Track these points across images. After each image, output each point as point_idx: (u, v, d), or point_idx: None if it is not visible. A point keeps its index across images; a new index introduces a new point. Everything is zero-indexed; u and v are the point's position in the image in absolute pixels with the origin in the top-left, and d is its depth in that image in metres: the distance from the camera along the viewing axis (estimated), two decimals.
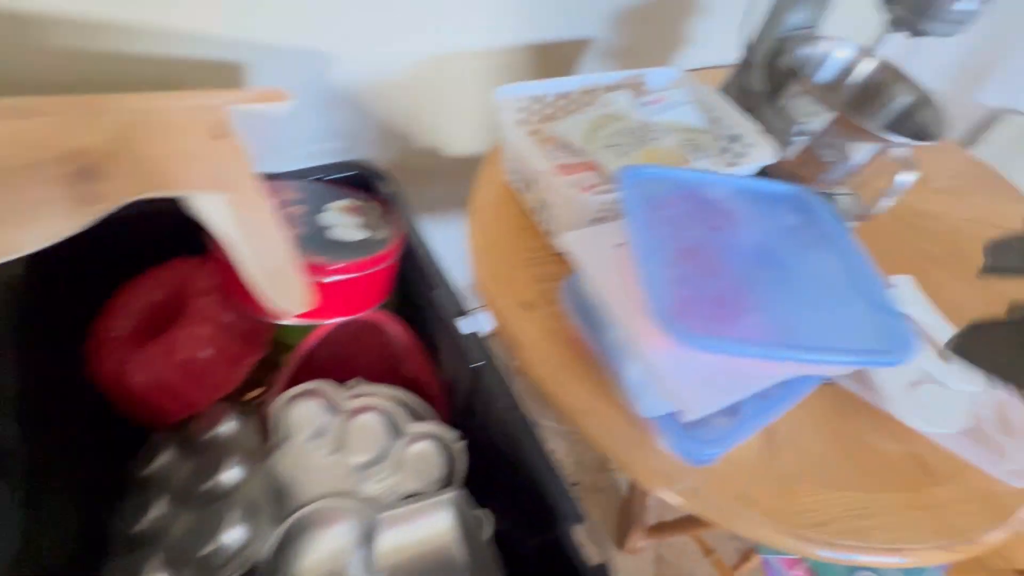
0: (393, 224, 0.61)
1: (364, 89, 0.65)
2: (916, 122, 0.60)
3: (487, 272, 0.54)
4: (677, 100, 0.61)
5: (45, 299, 0.52)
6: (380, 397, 0.55)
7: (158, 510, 0.45)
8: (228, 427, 0.51)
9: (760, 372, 0.37)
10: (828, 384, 0.50)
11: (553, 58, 0.74)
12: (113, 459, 0.53)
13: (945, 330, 0.55)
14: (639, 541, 0.95)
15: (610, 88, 0.62)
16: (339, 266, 0.52)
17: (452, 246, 0.62)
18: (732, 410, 0.43)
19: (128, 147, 0.38)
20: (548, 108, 0.62)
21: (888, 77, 0.62)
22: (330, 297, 0.54)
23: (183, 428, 0.55)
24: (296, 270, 0.45)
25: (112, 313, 0.55)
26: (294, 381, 0.55)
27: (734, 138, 0.61)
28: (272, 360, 0.62)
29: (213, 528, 0.41)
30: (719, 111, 0.62)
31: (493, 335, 0.51)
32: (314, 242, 0.54)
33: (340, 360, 0.62)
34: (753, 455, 0.45)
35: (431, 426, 0.54)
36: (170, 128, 0.41)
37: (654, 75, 0.65)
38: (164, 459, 0.50)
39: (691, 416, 0.35)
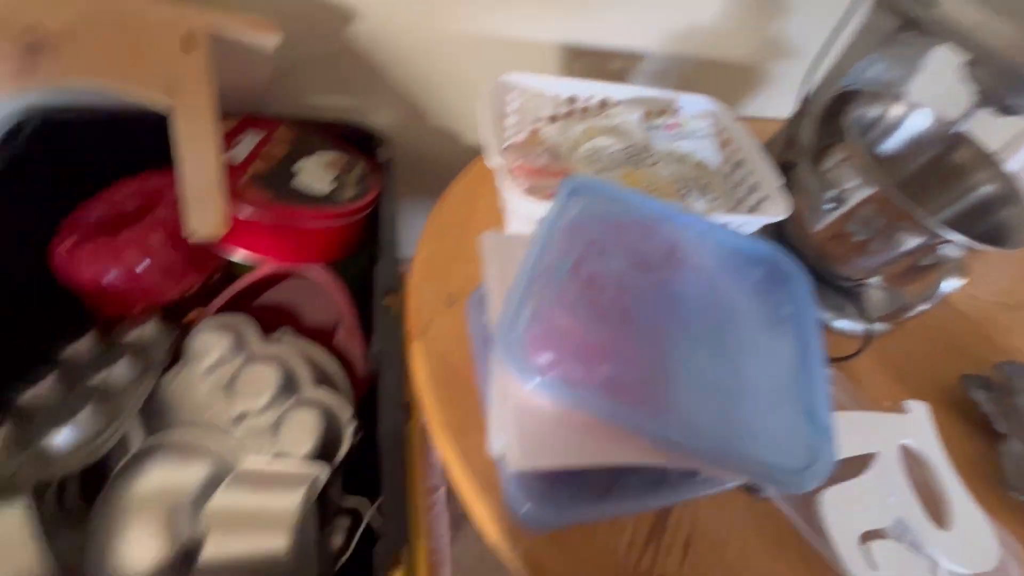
0: (368, 190, 0.59)
1: (385, 52, 0.64)
2: (994, 219, 0.48)
3: (426, 254, 0.50)
4: (696, 131, 0.54)
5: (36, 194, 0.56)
6: (294, 352, 0.53)
7: (39, 389, 0.47)
8: (144, 333, 0.52)
9: (623, 447, 0.30)
10: (763, 500, 0.41)
11: (598, 66, 0.70)
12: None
13: (952, 478, 0.43)
14: None
15: (628, 103, 0.56)
16: (285, 208, 0.51)
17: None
18: (604, 485, 0.36)
19: (91, 31, 0.39)
20: (558, 109, 0.57)
21: (969, 159, 0.51)
22: (271, 238, 0.53)
23: (111, 325, 0.57)
24: (220, 197, 0.44)
25: (82, 211, 0.58)
26: (227, 311, 0.55)
27: (752, 187, 0.52)
28: (218, 288, 0.63)
29: (66, 415, 0.41)
30: (744, 155, 0.54)
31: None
32: (275, 182, 0.54)
33: (281, 312, 0.61)
34: (624, 541, 0.37)
35: (329, 397, 0.51)
36: (142, 27, 0.42)
37: (687, 101, 0.58)
38: (77, 346, 0.52)
39: (518, 462, 0.29)
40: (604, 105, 0.57)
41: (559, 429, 0.30)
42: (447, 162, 0.77)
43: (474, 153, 0.77)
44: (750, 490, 0.41)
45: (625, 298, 0.33)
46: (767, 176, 0.51)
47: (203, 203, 0.43)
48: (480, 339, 0.39)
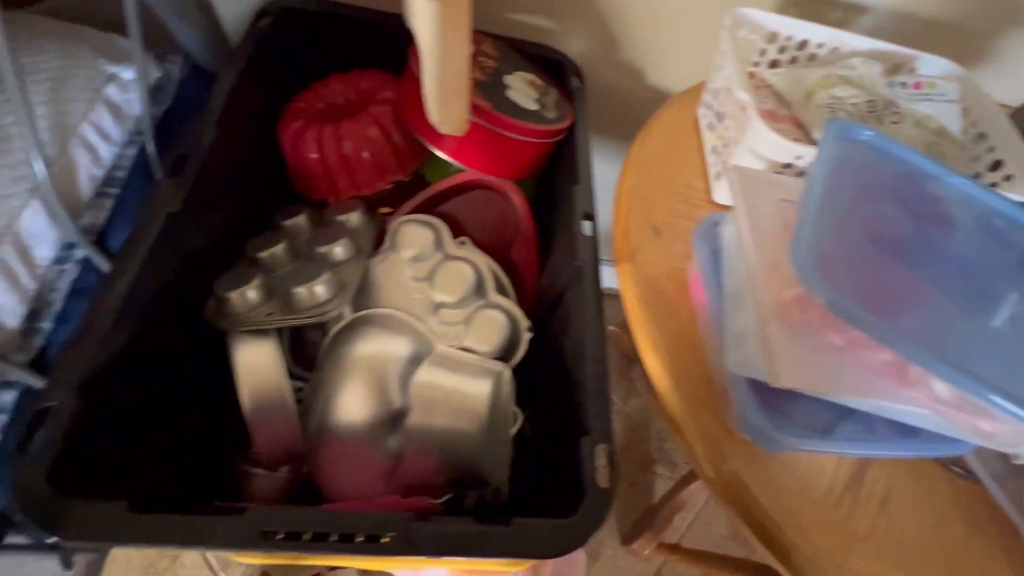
0: (566, 115, 0.60)
1: None
2: None
3: (632, 182, 0.51)
4: (942, 94, 0.50)
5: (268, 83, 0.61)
6: (481, 259, 0.56)
7: (276, 250, 0.53)
8: (354, 218, 0.57)
9: (886, 392, 0.31)
10: (967, 479, 0.41)
11: (816, 13, 0.65)
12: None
13: None
14: (646, 548, 0.90)
15: (863, 55, 0.53)
16: (503, 118, 0.53)
17: (608, 180, 0.59)
18: (824, 424, 0.37)
19: None
20: (780, 53, 0.55)
21: None
22: (481, 146, 0.56)
23: (321, 206, 0.63)
24: (466, 98, 0.46)
25: (303, 99, 0.63)
26: (417, 212, 0.59)
27: (994, 163, 0.48)
28: (406, 190, 0.67)
29: (309, 277, 0.47)
30: (988, 128, 0.49)
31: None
32: (492, 93, 0.55)
33: (460, 220, 0.65)
34: (823, 484, 0.38)
35: (511, 304, 0.55)
36: None
37: (927, 62, 0.54)
38: (298, 220, 0.58)
39: (776, 379, 0.30)
40: (834, 52, 0.53)
41: (823, 357, 0.31)
42: (629, 97, 0.75)
43: (655, 91, 0.75)
44: (951, 466, 0.41)
45: (900, 245, 0.33)
46: (1015, 153, 0.47)
47: (453, 98, 0.46)
48: (709, 264, 0.40)
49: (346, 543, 0.33)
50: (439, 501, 0.51)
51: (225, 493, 0.51)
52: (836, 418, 0.36)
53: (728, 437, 0.39)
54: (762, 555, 0.37)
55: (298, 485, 0.52)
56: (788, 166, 0.44)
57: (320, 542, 0.32)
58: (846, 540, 0.36)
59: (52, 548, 0.42)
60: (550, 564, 0.63)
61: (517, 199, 0.60)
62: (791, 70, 0.52)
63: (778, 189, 0.39)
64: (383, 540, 0.34)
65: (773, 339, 0.31)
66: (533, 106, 0.57)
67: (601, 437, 0.40)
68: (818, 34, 0.53)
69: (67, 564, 0.46)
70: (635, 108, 0.74)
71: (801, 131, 0.48)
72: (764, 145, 0.42)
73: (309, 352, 0.55)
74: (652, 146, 0.55)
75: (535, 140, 0.56)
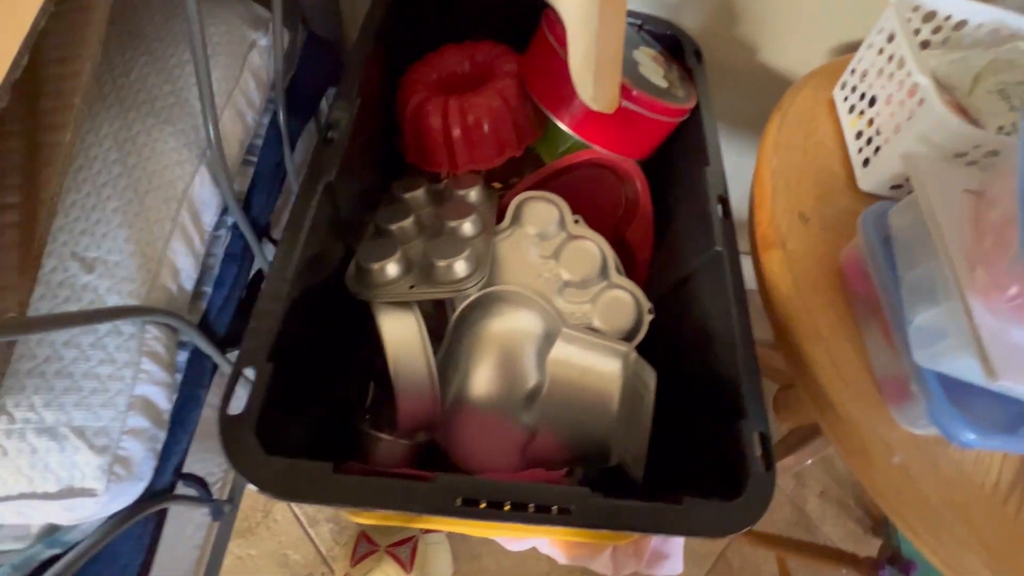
0: (691, 94, 0.58)
1: None
2: None
3: (774, 166, 0.50)
4: None
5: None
6: (601, 238, 0.56)
7: (406, 223, 0.53)
8: (475, 194, 0.57)
9: None
10: None
11: None
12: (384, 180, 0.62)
13: None
14: None
15: None
16: (643, 96, 0.52)
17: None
18: (1004, 422, 0.36)
19: None
20: (934, 33, 0.52)
21: None
22: (611, 124, 0.55)
23: (437, 179, 0.63)
24: (619, 74, 0.45)
25: (419, 69, 0.62)
26: (535, 189, 0.59)
27: None
28: (514, 166, 0.66)
29: (452, 252, 0.47)
30: None
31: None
32: (625, 70, 0.54)
33: (568, 198, 0.64)
34: (990, 480, 0.38)
35: (634, 285, 0.55)
36: None
37: None
38: (418, 193, 0.58)
39: (993, 375, 0.30)
40: (994, 36, 0.51)
41: None
42: (744, 75, 0.73)
43: (773, 72, 0.73)
44: None
45: None
46: None
47: (608, 74, 0.45)
48: (880, 254, 0.39)
49: (541, 513, 0.34)
50: (560, 473, 0.52)
51: (342, 453, 0.53)
52: (1017, 416, 0.36)
53: (892, 429, 0.39)
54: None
55: (419, 452, 0.54)
56: (960, 155, 0.42)
57: (520, 512, 0.34)
58: (1020, 535, 0.36)
59: (211, 502, 0.44)
60: (652, 538, 0.64)
61: (639, 180, 0.59)
62: (948, 53, 0.50)
63: (958, 179, 0.38)
64: (554, 511, 0.35)
65: (986, 335, 0.31)
66: (663, 83, 0.56)
67: (758, 422, 0.40)
68: (979, 13, 0.50)
69: (217, 516, 0.49)
70: (751, 88, 0.72)
71: (965, 117, 0.46)
72: (942, 133, 0.41)
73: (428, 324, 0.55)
74: (789, 129, 0.53)
75: (667, 119, 0.55)
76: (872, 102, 0.49)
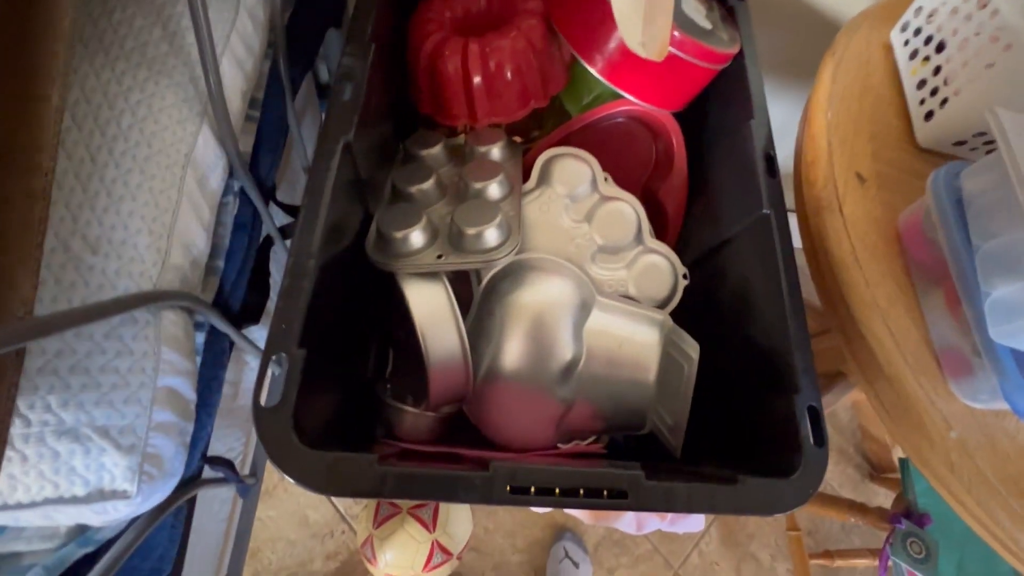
0: (735, 38, 0.53)
1: None
2: None
3: (830, 119, 0.46)
4: None
5: None
6: (634, 199, 0.52)
7: (426, 185, 0.49)
8: (498, 150, 0.52)
9: None
10: None
11: None
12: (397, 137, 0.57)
13: None
14: None
15: None
16: (688, 40, 0.46)
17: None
18: None
19: None
20: None
21: None
22: (650, 71, 0.50)
23: (454, 133, 0.58)
24: (671, 15, 0.40)
25: (434, 6, 0.55)
26: (560, 144, 0.54)
27: None
28: (538, 119, 0.61)
29: (483, 219, 0.44)
30: None
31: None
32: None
33: (598, 152, 0.60)
34: None
35: (668, 250, 0.52)
36: None
37: None
38: (435, 150, 0.53)
39: None
40: None
41: None
42: (790, 15, 0.67)
43: (819, 11, 0.66)
44: None
45: None
46: None
47: (659, 16, 0.40)
48: (950, 217, 0.37)
49: (592, 497, 0.33)
50: (587, 443, 0.51)
51: (368, 427, 0.52)
52: None
53: (950, 403, 0.37)
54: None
55: (445, 424, 0.53)
56: None
57: (569, 497, 0.32)
58: None
59: (238, 481, 0.43)
60: None
61: (675, 135, 0.54)
62: None
63: None
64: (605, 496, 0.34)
65: None
66: (706, 24, 0.51)
67: (810, 396, 0.38)
68: None
69: (244, 493, 0.47)
70: (797, 29, 0.66)
71: None
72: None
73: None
74: (845, 77, 0.49)
75: (710, 66, 0.50)
76: (940, 47, 0.45)
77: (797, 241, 0.47)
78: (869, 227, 0.42)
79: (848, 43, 0.51)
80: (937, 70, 0.45)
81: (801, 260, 0.45)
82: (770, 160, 0.47)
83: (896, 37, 0.51)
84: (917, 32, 0.48)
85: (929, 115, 0.45)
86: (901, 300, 0.40)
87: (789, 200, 0.49)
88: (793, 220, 0.48)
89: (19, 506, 0.26)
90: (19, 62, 0.22)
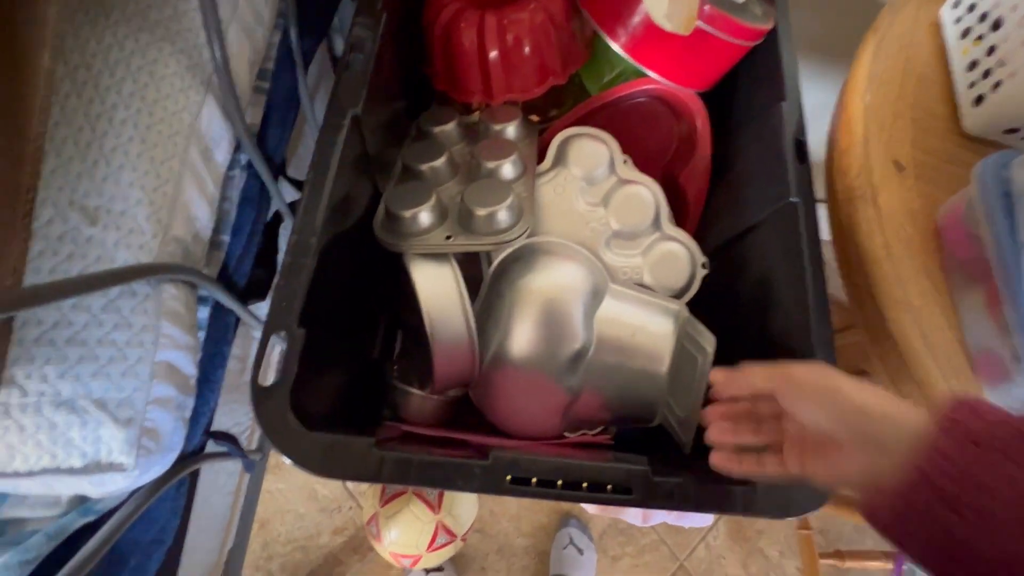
0: (768, 13, 0.50)
1: None
2: None
3: (868, 102, 0.43)
4: None
5: None
6: (654, 183, 0.50)
7: (438, 163, 0.47)
8: (513, 129, 0.51)
9: None
10: None
11: None
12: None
13: None
14: None
15: None
16: (719, 14, 0.44)
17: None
18: None
19: None
20: None
21: None
22: (676, 48, 0.47)
23: (469, 110, 0.56)
24: None
25: None
26: (579, 124, 0.52)
27: None
28: (557, 97, 0.59)
29: (494, 200, 0.42)
30: None
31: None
32: None
33: (617, 133, 0.57)
34: None
35: (687, 237, 0.50)
36: None
37: None
38: (448, 127, 0.52)
39: None
40: None
41: None
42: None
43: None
44: None
45: None
46: None
47: None
48: (997, 211, 0.34)
49: (595, 492, 0.32)
50: (594, 433, 0.50)
51: (372, 408, 0.51)
52: None
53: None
54: None
55: (452, 408, 0.52)
56: None
57: (573, 490, 0.31)
58: None
59: (243, 456, 0.43)
60: None
61: (700, 117, 0.52)
62: None
63: None
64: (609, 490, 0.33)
65: None
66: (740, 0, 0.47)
67: None
68: None
69: (250, 468, 0.48)
70: (835, 4, 0.62)
71: None
72: None
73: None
74: (887, 57, 0.45)
75: (740, 43, 0.47)
76: (997, 25, 0.41)
77: (824, 233, 0.45)
78: (905, 219, 0.40)
79: (892, 20, 0.47)
80: (991, 50, 0.41)
81: (826, 253, 0.43)
82: (800, 145, 0.44)
83: (947, 14, 0.47)
84: (971, 8, 0.44)
85: (979, 99, 0.42)
86: (935, 298, 0.37)
87: (818, 190, 0.46)
88: (821, 210, 0.46)
89: (17, 475, 0.26)
90: (5, 24, 0.21)
